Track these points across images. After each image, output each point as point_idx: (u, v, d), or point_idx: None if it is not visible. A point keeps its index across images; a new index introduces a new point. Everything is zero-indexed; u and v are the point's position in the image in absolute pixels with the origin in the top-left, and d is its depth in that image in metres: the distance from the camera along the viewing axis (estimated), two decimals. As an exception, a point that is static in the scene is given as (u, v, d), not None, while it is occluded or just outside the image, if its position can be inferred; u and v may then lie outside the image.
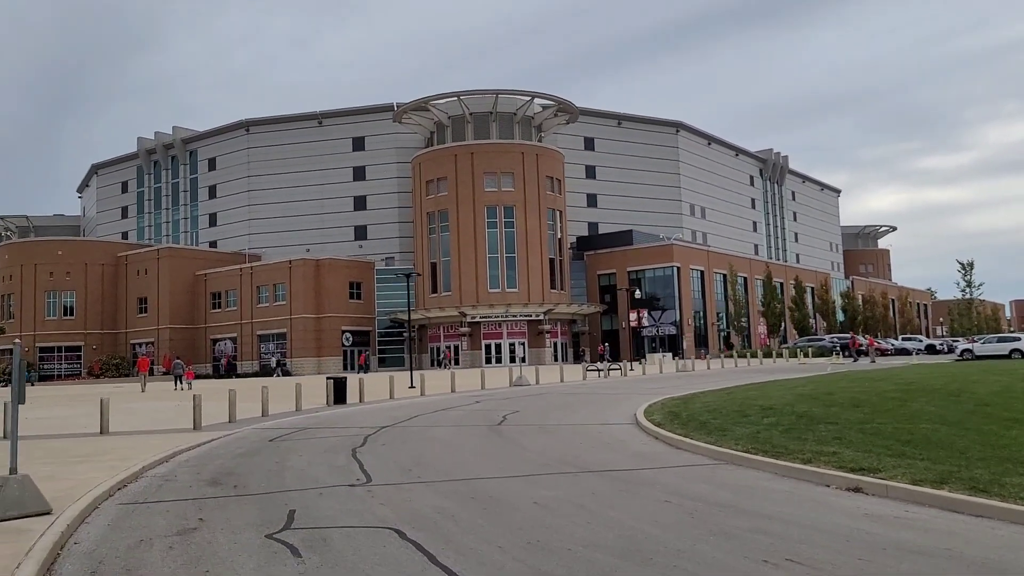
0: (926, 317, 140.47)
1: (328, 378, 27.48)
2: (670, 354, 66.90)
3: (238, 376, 79.52)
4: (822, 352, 63.69)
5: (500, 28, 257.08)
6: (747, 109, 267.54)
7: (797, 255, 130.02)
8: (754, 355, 64.16)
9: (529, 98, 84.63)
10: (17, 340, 9.79)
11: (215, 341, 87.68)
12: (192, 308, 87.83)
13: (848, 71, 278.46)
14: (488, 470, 12.86)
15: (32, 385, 67.90)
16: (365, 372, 71.42)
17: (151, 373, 67.69)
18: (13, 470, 9.84)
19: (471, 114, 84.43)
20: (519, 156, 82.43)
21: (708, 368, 50.30)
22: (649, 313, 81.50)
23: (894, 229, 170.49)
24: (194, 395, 20.08)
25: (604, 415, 21.54)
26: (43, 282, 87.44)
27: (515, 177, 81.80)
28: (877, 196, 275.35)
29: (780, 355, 65.19)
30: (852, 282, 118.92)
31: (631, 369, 46.09)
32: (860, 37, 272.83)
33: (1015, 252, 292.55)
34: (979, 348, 54.60)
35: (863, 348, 67.43)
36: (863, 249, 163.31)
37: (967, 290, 58.13)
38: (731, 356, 63.25)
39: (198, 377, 77.35)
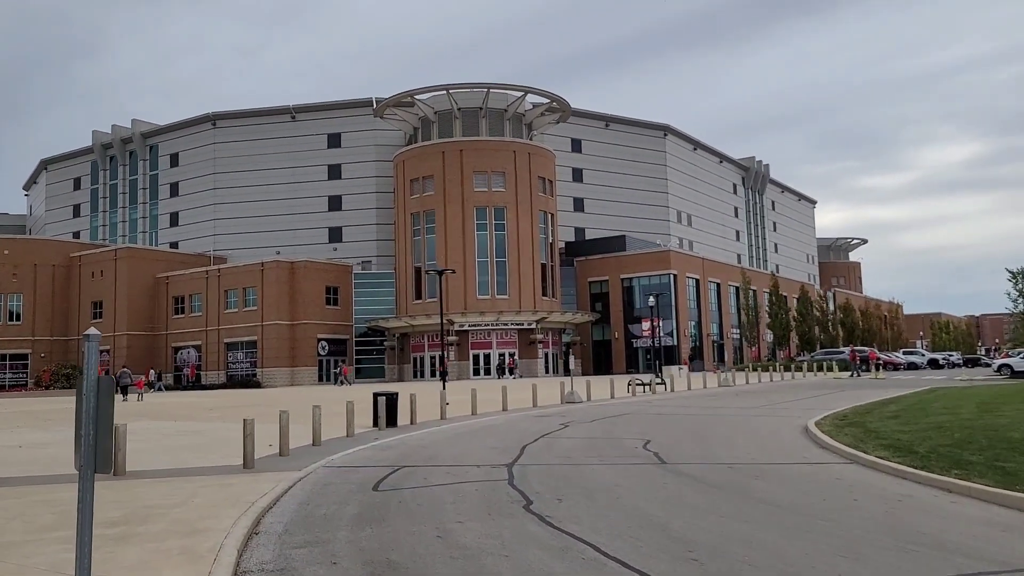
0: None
1: (376, 395, 22.01)
2: (685, 367, 62.41)
3: (203, 388, 73.08)
4: (845, 366, 59.78)
5: (473, 32, 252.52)
6: (708, 119, 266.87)
7: (777, 266, 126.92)
8: (776, 368, 60.03)
9: (522, 94, 79.72)
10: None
11: (177, 349, 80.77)
12: (152, 313, 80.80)
13: (788, 91, 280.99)
14: (831, 561, 7.83)
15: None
16: (341, 385, 65.28)
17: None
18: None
19: (459, 109, 79.24)
20: (511, 155, 77.37)
21: (747, 383, 45.82)
22: (651, 324, 76.97)
23: (865, 242, 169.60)
24: (244, 420, 14.61)
25: (775, 445, 16.64)
26: (-14, 284, 79.73)
27: (506, 177, 76.69)
28: (821, 212, 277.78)
29: (799, 369, 61.10)
30: (834, 294, 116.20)
31: (660, 383, 41.24)
32: (798, 58, 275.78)
33: (952, 269, 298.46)
34: (1017, 364, 51.75)
35: (879, 361, 64.23)
36: (835, 261, 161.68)
37: (1019, 300, 54.25)
38: (743, 370, 58.98)
39: (168, 388, 70.64)
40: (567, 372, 78.83)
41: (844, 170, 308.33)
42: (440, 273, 32.76)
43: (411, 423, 22.92)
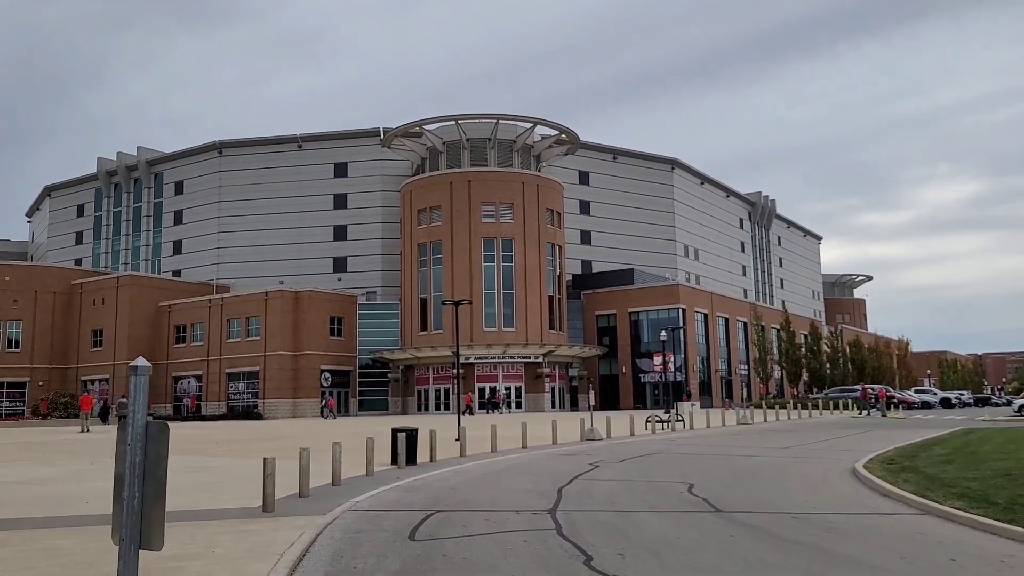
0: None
1: (396, 431, 20.87)
2: (697, 404, 61.16)
3: (203, 419, 71.61)
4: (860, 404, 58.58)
5: (479, 67, 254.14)
6: (711, 155, 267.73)
7: (783, 301, 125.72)
8: (795, 406, 58.75)
9: (531, 125, 79.29)
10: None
11: (177, 379, 79.52)
12: (153, 342, 79.53)
13: (789, 129, 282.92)
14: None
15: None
16: (333, 418, 63.98)
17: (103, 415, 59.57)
18: None
19: (468, 140, 78.75)
20: (519, 186, 76.79)
21: (765, 421, 44.61)
22: (663, 358, 75.65)
23: (870, 279, 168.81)
24: (264, 459, 13.49)
25: (830, 491, 15.50)
26: (-14, 310, 78.63)
27: (515, 208, 76.02)
28: (822, 249, 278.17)
29: (815, 406, 59.86)
30: (841, 331, 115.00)
31: (679, 420, 40.02)
32: (798, 97, 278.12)
33: (952, 307, 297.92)
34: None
35: (894, 400, 63.17)
36: (840, 298, 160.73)
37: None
38: (758, 407, 57.70)
39: (158, 419, 69.19)
40: (574, 407, 77.64)
41: (845, 207, 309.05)
42: (456, 304, 31.66)
43: (431, 461, 21.75)
